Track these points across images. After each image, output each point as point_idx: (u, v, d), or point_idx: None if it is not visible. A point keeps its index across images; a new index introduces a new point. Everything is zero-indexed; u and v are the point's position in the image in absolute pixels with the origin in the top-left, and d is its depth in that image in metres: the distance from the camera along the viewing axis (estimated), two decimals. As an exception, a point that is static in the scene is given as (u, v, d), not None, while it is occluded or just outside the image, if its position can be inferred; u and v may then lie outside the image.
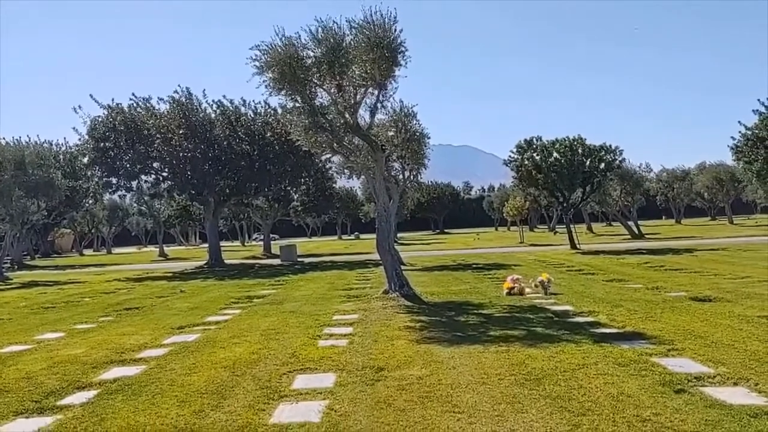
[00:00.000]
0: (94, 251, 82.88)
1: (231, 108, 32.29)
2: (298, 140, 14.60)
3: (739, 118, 33.14)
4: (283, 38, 12.80)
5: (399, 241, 47.42)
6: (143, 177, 34.66)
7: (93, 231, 79.32)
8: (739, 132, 41.30)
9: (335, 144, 14.47)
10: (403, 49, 12.90)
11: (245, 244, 75.81)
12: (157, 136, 30.39)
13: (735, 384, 5.76)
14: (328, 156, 26.31)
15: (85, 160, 33.96)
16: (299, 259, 33.92)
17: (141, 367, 7.67)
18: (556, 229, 63.78)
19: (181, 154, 31.16)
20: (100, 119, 30.83)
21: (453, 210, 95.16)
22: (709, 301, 10.99)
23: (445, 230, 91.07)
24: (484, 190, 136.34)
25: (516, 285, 13.44)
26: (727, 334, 7.91)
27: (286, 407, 5.72)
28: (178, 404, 5.96)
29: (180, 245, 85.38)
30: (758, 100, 35.40)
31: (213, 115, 32.00)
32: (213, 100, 32.26)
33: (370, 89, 13.60)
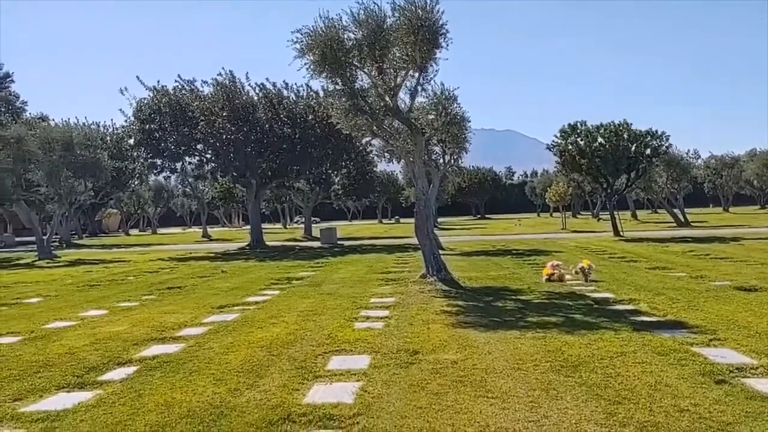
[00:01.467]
0: (139, 231, 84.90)
1: (273, 91, 32.45)
2: (338, 123, 14.63)
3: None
4: (325, 20, 12.80)
5: (439, 226, 47.28)
6: (187, 159, 35.28)
7: (139, 211, 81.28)
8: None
9: (375, 127, 14.45)
10: (444, 31, 12.77)
11: (287, 226, 76.60)
12: (201, 118, 30.74)
13: (778, 376, 5.58)
14: (369, 139, 26.32)
15: (131, 141, 34.76)
16: (339, 242, 34.11)
17: (180, 345, 7.84)
18: (600, 216, 62.67)
19: (224, 137, 31.50)
20: (145, 101, 31.44)
21: (494, 195, 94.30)
22: (754, 291, 10.68)
23: (486, 216, 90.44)
24: (526, 176, 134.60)
25: (556, 271, 13.27)
26: (773, 326, 7.67)
27: (320, 388, 5.77)
28: (214, 382, 6.06)
29: (223, 226, 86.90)
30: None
31: (255, 98, 32.21)
32: (256, 83, 32.55)
33: (410, 72, 13.52)
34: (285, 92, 32.78)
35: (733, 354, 6.40)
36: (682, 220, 43.95)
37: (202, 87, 31.94)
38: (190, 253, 29.85)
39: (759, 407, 4.80)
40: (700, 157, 66.30)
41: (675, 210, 46.48)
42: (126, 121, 32.68)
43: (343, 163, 39.16)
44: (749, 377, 5.57)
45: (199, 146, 33.36)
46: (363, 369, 6.32)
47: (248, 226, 43.87)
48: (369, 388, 5.65)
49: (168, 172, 38.42)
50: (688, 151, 53.64)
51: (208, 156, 34.30)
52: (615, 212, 33.22)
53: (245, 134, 31.39)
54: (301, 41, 12.90)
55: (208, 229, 55.73)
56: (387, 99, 13.76)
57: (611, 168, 31.46)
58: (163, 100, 31.11)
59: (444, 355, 6.74)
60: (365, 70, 13.50)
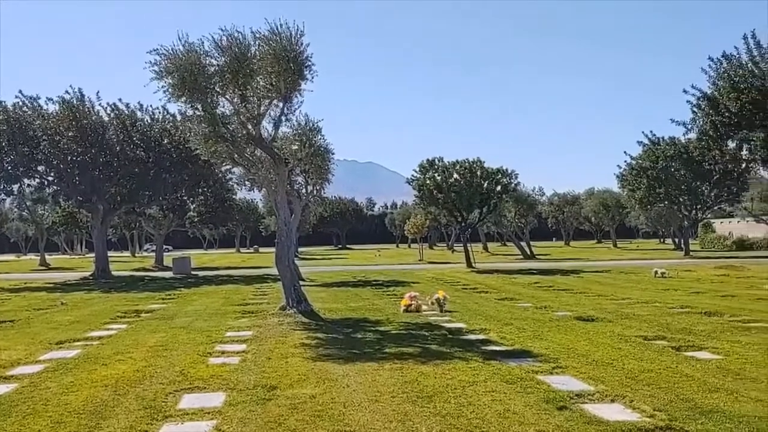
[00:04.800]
0: (-34, 258, 76.76)
1: (126, 112, 31.03)
2: (197, 149, 14.20)
3: (626, 149, 35.75)
4: (185, 44, 12.46)
5: (300, 256, 47.02)
6: (26, 180, 32.56)
7: (-34, 236, 73.55)
8: (625, 161, 44.49)
9: (236, 155, 14.18)
10: (309, 63, 12.89)
11: (136, 255, 72.56)
12: (44, 137, 28.72)
13: (612, 401, 6.06)
14: (229, 167, 25.75)
15: (-39, 159, 31.41)
16: (193, 272, 32.85)
17: (12, 385, 7.15)
18: (454, 248, 65.39)
19: (69, 158, 29.61)
20: (-21, 117, 28.68)
21: (355, 225, 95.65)
22: (592, 321, 11.57)
23: (347, 245, 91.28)
24: (386, 207, 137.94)
25: (413, 302, 13.62)
26: (607, 353, 8.34)
27: (171, 428, 5.50)
28: (52, 425, 5.61)
29: (64, 254, 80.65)
30: (642, 132, 38.15)
31: (106, 119, 30.59)
32: (108, 103, 30.92)
33: (274, 101, 13.47)
34: (139, 114, 31.48)
35: (573, 381, 6.87)
36: (529, 252, 46.99)
37: (47, 105, 29.80)
38: (25, 283, 27.39)
39: (596, 431, 5.17)
40: (544, 194, 71.63)
41: (522, 243, 49.63)
42: (-45, 137, 29.54)
43: (200, 190, 38.03)
44: (587, 403, 6.00)
45: (40, 167, 31.00)
46: (217, 407, 6.08)
47: (92, 254, 41.09)
48: (224, 427, 5.45)
49: (3, 195, 35.19)
50: (534, 188, 57.82)
51: (50, 178, 31.97)
52: (468, 245, 34.87)
53: (93, 156, 29.65)
54: (160, 63, 12.47)
55: (47, 257, 51.60)
56: (249, 127, 13.59)
57: (465, 203, 33.09)
58: (0, 117, 28.56)
59: (302, 390, 6.65)
60: (227, 97, 13.28)
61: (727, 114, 19.91)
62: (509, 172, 33.80)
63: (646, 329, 10.42)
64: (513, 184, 34.81)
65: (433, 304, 13.73)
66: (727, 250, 51.60)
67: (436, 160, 34.06)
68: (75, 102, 29.37)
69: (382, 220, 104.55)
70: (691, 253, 43.92)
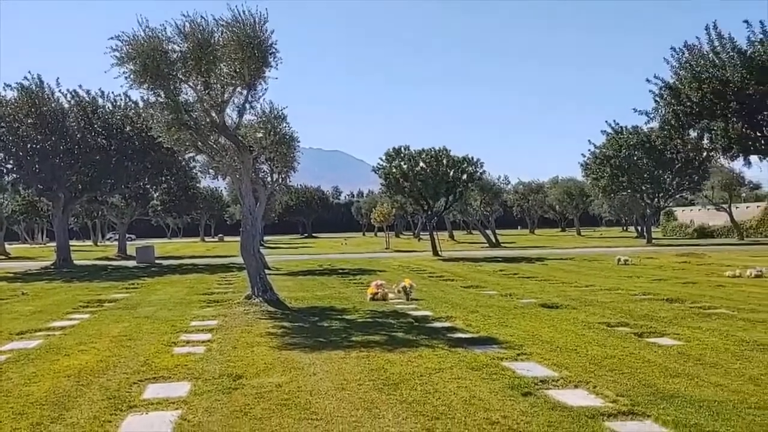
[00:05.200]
0: None
1: (87, 99, 30.40)
2: (159, 136, 13.97)
3: (590, 137, 36.21)
4: (147, 29, 12.22)
5: (265, 245, 46.69)
6: (-17, 169, 31.67)
7: None
8: (589, 150, 45.08)
9: (200, 143, 13.99)
10: (274, 50, 12.75)
11: (98, 243, 71.23)
12: (2, 125, 27.99)
13: (576, 387, 6.16)
14: (192, 155, 25.43)
15: None
16: (157, 261, 32.41)
17: (-31, 378, 6.96)
18: (421, 236, 65.65)
19: (28, 146, 28.92)
20: (-66, 103, 27.79)
21: (322, 214, 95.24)
22: (556, 308, 11.73)
23: (314, 234, 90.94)
24: (353, 195, 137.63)
25: (379, 290, 13.64)
26: (571, 339, 8.48)
27: (135, 418, 5.43)
28: (14, 417, 5.51)
29: (24, 243, 78.78)
30: (606, 121, 38.57)
31: (66, 106, 29.91)
32: (68, 89, 30.20)
33: (238, 88, 13.30)
34: (100, 101, 30.90)
35: (537, 367, 6.96)
36: (494, 240, 47.43)
37: (5, 91, 28.98)
38: (-16, 273, 26.69)
39: (559, 417, 5.25)
40: (509, 182, 72.21)
41: (487, 231, 50.05)
42: None
43: (164, 178, 37.45)
44: (551, 389, 6.08)
45: (-2, 155, 30.17)
46: (182, 396, 6.02)
47: (53, 244, 40.24)
48: (189, 417, 5.40)
49: (-41, 183, 34.19)
50: (500, 177, 58.07)
51: (9, 166, 31.15)
52: (434, 233, 35.06)
53: (53, 144, 28.96)
54: (121, 49, 12.22)
55: (7, 246, 50.29)
56: (213, 114, 13.40)
57: (431, 191, 33.24)
58: (-45, 103, 27.70)
59: (268, 379, 6.62)
60: (190, 84, 13.08)
61: (688, 104, 20.30)
62: (475, 160, 34.06)
63: (609, 316, 10.61)
64: (478, 173, 35.10)
65: (399, 292, 13.77)
66: (688, 237, 52.82)
67: (403, 149, 34.11)
68: (34, 88, 28.60)
69: (349, 209, 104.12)
70: (653, 240, 44.86)
